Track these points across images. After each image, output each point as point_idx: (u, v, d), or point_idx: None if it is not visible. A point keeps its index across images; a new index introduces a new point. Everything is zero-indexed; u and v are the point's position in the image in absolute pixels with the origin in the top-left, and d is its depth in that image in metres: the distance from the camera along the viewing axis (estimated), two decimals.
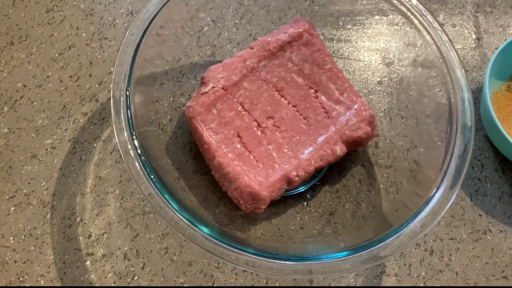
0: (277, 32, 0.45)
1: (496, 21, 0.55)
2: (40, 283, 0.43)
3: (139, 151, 0.37)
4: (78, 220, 0.45)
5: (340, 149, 0.42)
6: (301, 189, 0.45)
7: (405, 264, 0.45)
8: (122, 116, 0.38)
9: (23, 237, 0.45)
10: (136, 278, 0.44)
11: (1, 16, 0.54)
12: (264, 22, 0.52)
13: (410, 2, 0.42)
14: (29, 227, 0.45)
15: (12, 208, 0.46)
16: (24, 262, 0.44)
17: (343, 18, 0.50)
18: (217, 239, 0.35)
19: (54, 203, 0.46)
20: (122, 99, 0.38)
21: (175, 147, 0.45)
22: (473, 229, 0.46)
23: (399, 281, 0.44)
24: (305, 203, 0.45)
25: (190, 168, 0.44)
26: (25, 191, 0.46)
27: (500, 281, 0.44)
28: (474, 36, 0.54)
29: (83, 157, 0.48)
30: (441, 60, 0.41)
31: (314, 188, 0.45)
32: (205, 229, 0.35)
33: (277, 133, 0.42)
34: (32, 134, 0.49)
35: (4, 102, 0.50)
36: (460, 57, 0.41)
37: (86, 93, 0.50)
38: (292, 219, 0.44)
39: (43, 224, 0.45)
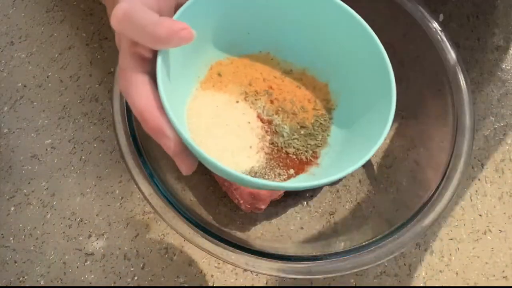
0: None
1: (496, 21, 0.55)
2: (40, 283, 0.43)
3: (139, 151, 0.37)
4: (78, 220, 0.45)
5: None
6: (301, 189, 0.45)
7: (405, 264, 0.45)
8: (122, 116, 0.38)
9: (23, 237, 0.45)
10: (136, 278, 0.44)
11: (1, 16, 0.54)
12: None
13: None
14: (29, 227, 0.45)
15: (12, 208, 0.46)
16: (24, 262, 0.44)
17: None
18: (217, 239, 0.35)
19: (54, 203, 0.46)
20: (122, 99, 0.38)
21: None
22: (473, 229, 0.46)
23: (399, 281, 0.44)
24: (305, 203, 0.45)
25: None
26: (25, 191, 0.46)
27: (500, 281, 0.44)
28: (474, 36, 0.54)
29: (83, 157, 0.48)
30: (441, 60, 0.41)
31: (314, 188, 0.45)
32: (205, 229, 0.35)
33: None
34: (32, 134, 0.49)
35: (4, 102, 0.50)
36: (460, 57, 0.41)
37: (86, 93, 0.50)
38: (292, 219, 0.44)
39: (43, 224, 0.45)
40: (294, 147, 0.32)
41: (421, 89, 0.43)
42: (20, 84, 0.51)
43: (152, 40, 0.27)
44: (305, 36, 0.34)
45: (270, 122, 0.33)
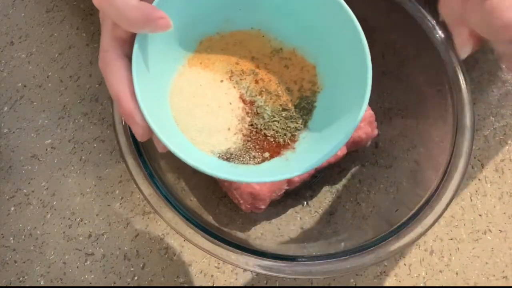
0: None
1: None
2: (40, 283, 0.43)
3: (139, 151, 0.37)
4: (78, 220, 0.45)
5: (340, 150, 0.42)
6: (301, 189, 0.45)
7: (405, 264, 0.45)
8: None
9: (23, 237, 0.45)
10: (136, 278, 0.44)
11: (1, 16, 0.54)
12: None
13: None
14: (29, 227, 0.45)
15: (12, 208, 0.46)
16: (24, 262, 0.44)
17: None
18: (217, 239, 0.35)
19: (54, 203, 0.46)
20: None
21: None
22: (473, 229, 0.46)
23: (399, 281, 0.44)
24: (305, 203, 0.45)
25: (190, 168, 0.44)
26: (25, 191, 0.46)
27: (500, 281, 0.44)
28: None
29: (83, 157, 0.48)
30: (441, 60, 0.41)
31: (314, 188, 0.45)
32: (205, 229, 0.35)
33: None
34: (32, 134, 0.49)
35: (4, 102, 0.50)
36: (459, 57, 0.41)
37: (86, 93, 0.50)
38: (292, 219, 0.44)
39: (43, 224, 0.45)
40: (273, 130, 0.33)
41: (421, 89, 0.43)
42: (20, 84, 0.51)
43: (127, 23, 0.27)
44: (296, 15, 0.34)
45: (252, 103, 0.33)
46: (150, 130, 0.28)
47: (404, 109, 0.45)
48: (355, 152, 0.46)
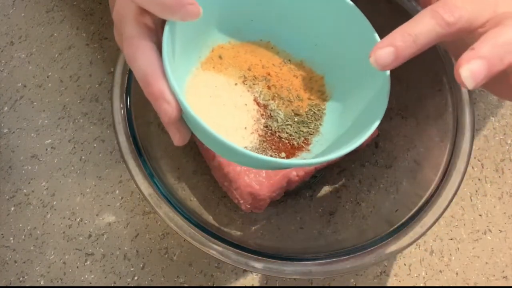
0: None
1: None
2: (40, 283, 0.43)
3: (139, 151, 0.37)
4: (78, 220, 0.45)
5: None
6: (301, 189, 0.45)
7: (405, 264, 0.45)
8: (122, 116, 0.38)
9: (23, 237, 0.45)
10: (136, 278, 0.44)
11: (1, 16, 0.54)
12: None
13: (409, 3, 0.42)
14: (29, 227, 0.45)
15: (12, 208, 0.46)
16: (24, 262, 0.44)
17: None
18: (217, 239, 0.35)
19: (54, 203, 0.46)
20: (122, 99, 0.38)
21: (175, 147, 0.45)
22: (473, 229, 0.46)
23: (399, 281, 0.44)
24: (305, 203, 0.45)
25: (190, 168, 0.44)
26: (25, 191, 0.46)
27: (500, 281, 0.44)
28: None
29: (83, 157, 0.48)
30: (441, 60, 0.41)
31: (314, 188, 0.45)
32: (205, 229, 0.35)
33: None
34: (32, 134, 0.49)
35: (4, 102, 0.50)
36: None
37: (86, 93, 0.50)
38: (292, 219, 0.44)
39: (43, 224, 0.45)
40: (287, 133, 0.33)
41: (421, 89, 0.43)
42: (20, 84, 0.51)
43: (159, 8, 0.27)
44: (305, 28, 0.35)
45: (265, 107, 0.34)
46: (179, 111, 0.28)
47: (404, 109, 0.45)
48: (355, 152, 0.46)
